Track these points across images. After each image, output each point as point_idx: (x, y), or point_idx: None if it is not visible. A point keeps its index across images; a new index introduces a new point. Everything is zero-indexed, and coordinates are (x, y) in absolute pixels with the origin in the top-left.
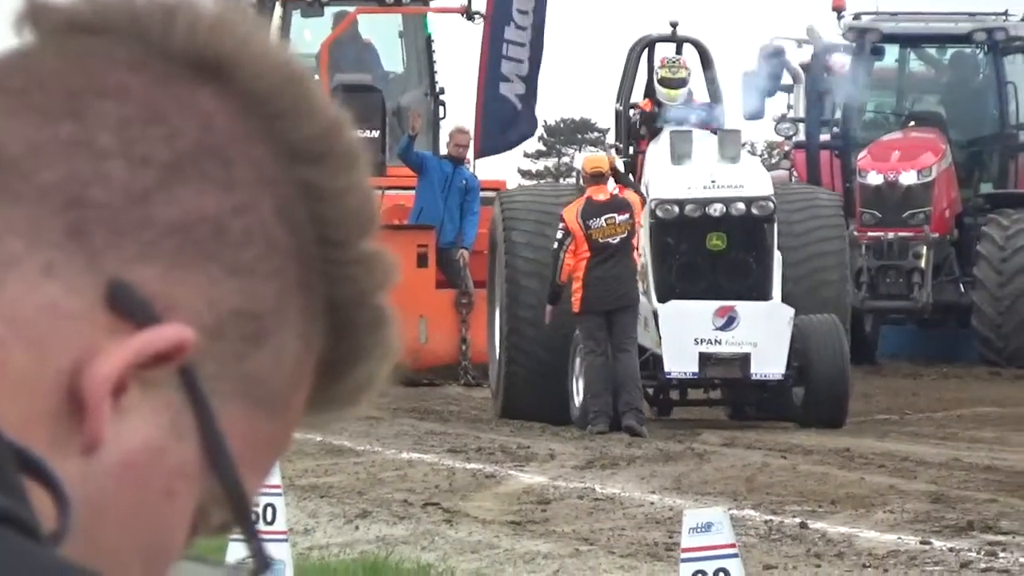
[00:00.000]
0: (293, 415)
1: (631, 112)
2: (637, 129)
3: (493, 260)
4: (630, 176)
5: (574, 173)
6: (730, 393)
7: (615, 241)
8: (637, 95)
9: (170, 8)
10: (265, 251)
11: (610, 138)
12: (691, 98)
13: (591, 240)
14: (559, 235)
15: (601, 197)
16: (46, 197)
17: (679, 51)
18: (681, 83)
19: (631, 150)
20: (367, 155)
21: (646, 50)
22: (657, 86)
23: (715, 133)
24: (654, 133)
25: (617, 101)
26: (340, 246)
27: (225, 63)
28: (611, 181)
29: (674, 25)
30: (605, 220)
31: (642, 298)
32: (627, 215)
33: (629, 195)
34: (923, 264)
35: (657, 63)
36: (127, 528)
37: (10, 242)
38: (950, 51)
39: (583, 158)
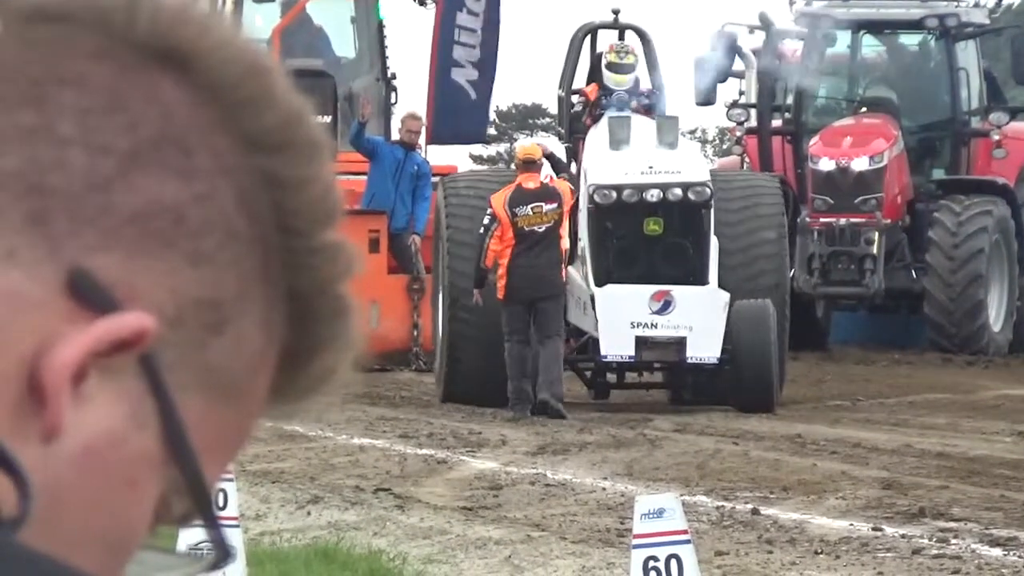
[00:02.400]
0: (254, 404)
1: (574, 98)
2: (580, 115)
3: (437, 245)
4: (571, 162)
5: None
6: (666, 376)
7: (540, 230)
8: (579, 82)
9: None
10: (225, 240)
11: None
12: (637, 84)
13: (516, 227)
14: (485, 220)
15: (531, 185)
16: (6, 184)
17: (621, 37)
18: (629, 68)
19: (573, 136)
20: (329, 145)
21: (588, 36)
22: (605, 71)
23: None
24: (596, 119)
25: (559, 87)
26: (301, 235)
27: (187, 53)
28: (547, 168)
29: (616, 12)
30: (532, 208)
31: (580, 282)
32: (555, 204)
33: (560, 185)
34: (875, 250)
35: (605, 48)
36: (87, 516)
37: None
38: (902, 37)
39: (517, 146)
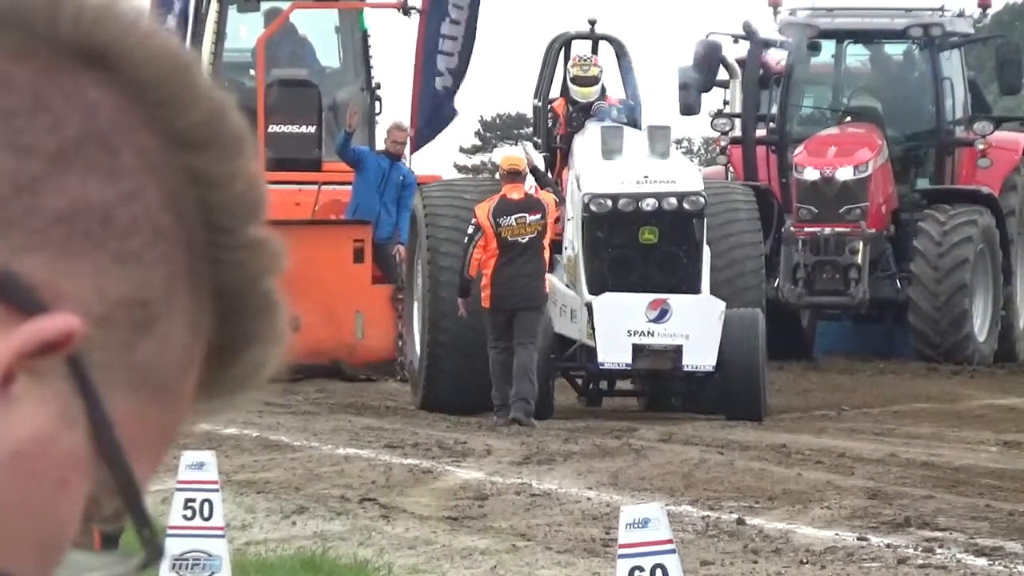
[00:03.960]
0: (183, 402)
1: (549, 111)
2: (550, 127)
3: (413, 252)
4: (549, 173)
5: (495, 168)
6: (660, 384)
7: (523, 240)
8: (556, 92)
9: None
10: (152, 238)
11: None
12: (604, 95)
13: (500, 238)
14: (470, 230)
15: (515, 196)
16: None
17: (595, 49)
18: (593, 81)
19: (550, 146)
20: (254, 141)
21: (564, 47)
22: (570, 84)
23: (635, 128)
24: (573, 129)
25: (535, 97)
26: (227, 232)
27: (110, 51)
28: (530, 179)
29: (592, 23)
30: (515, 219)
31: (567, 290)
32: (539, 215)
33: (544, 196)
34: (859, 260)
35: (570, 62)
36: (18, 518)
37: None
38: (886, 47)
39: (501, 156)
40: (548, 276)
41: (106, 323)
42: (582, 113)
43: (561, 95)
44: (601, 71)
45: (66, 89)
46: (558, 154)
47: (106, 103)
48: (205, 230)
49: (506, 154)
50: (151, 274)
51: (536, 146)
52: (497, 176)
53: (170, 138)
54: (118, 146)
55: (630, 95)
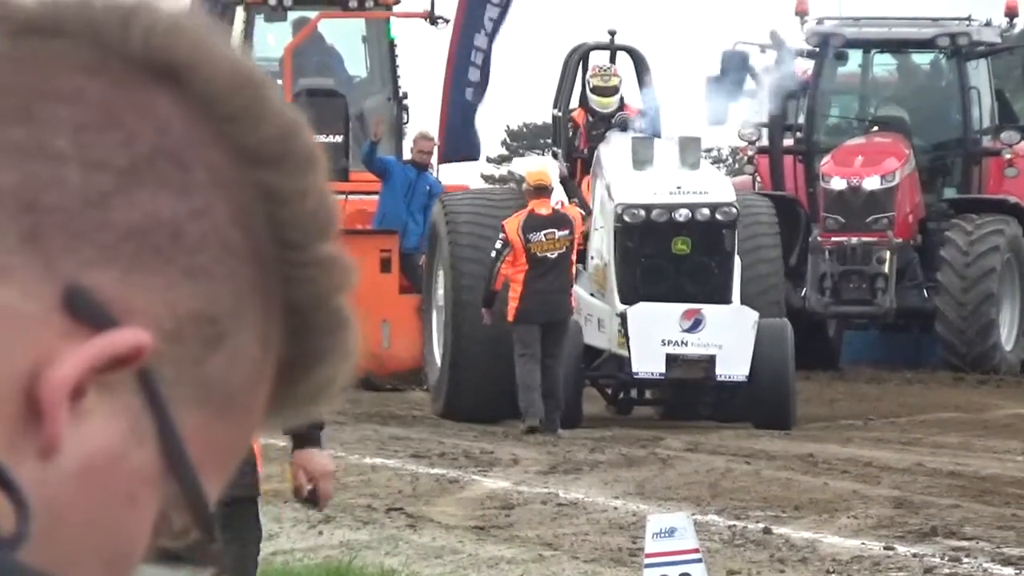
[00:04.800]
0: (252, 418)
1: (568, 120)
2: (570, 137)
3: (432, 260)
4: (572, 182)
5: (516, 178)
6: (688, 393)
7: (553, 256)
8: (575, 102)
9: (127, 12)
10: (222, 254)
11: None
12: (623, 105)
13: (529, 253)
14: (498, 245)
15: (543, 211)
16: (1, 202)
17: (613, 59)
18: (613, 91)
19: (571, 156)
20: (325, 158)
21: (583, 57)
22: (590, 94)
23: (655, 138)
24: (595, 140)
25: (555, 107)
26: (298, 248)
27: (181, 67)
28: (559, 191)
29: (612, 33)
30: (545, 235)
31: (593, 300)
32: (567, 231)
33: (571, 211)
34: (887, 269)
35: (589, 72)
36: (87, 533)
37: None
38: (913, 56)
39: (526, 170)
40: (574, 288)
41: (175, 338)
42: (602, 123)
43: (580, 105)
44: (620, 81)
45: (137, 104)
46: (578, 164)
47: (177, 119)
48: (276, 246)
49: (531, 168)
50: (220, 289)
51: (555, 156)
52: (522, 187)
53: (240, 154)
54: (188, 162)
55: (648, 105)
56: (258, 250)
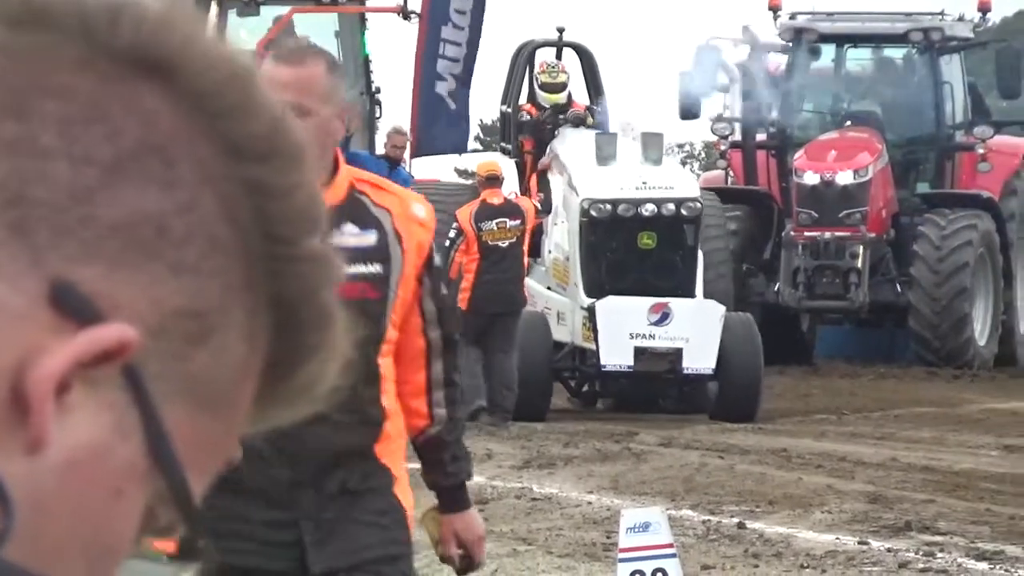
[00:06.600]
0: (238, 415)
1: (521, 115)
2: (521, 130)
3: None
4: (519, 179)
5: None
6: (658, 386)
7: (504, 245)
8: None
9: (116, 6)
10: (208, 250)
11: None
12: (571, 101)
13: (481, 242)
14: (451, 234)
15: (495, 201)
16: None
17: (559, 55)
18: (561, 87)
19: (522, 152)
20: (313, 153)
21: (531, 54)
22: (538, 91)
23: (597, 132)
24: (543, 136)
25: (503, 103)
26: (286, 243)
27: (169, 61)
28: (513, 183)
29: (560, 30)
30: (496, 224)
31: (551, 294)
32: (519, 221)
33: (523, 202)
34: (860, 264)
35: (537, 68)
36: (72, 528)
37: None
38: (886, 51)
39: (477, 162)
40: (527, 281)
41: (161, 334)
42: (551, 119)
43: (528, 101)
44: (568, 77)
45: (124, 98)
46: (528, 160)
47: (164, 113)
48: (264, 242)
49: (482, 160)
50: (207, 285)
51: (505, 152)
52: (474, 181)
53: (229, 149)
54: (175, 156)
55: (596, 102)
56: (246, 245)
